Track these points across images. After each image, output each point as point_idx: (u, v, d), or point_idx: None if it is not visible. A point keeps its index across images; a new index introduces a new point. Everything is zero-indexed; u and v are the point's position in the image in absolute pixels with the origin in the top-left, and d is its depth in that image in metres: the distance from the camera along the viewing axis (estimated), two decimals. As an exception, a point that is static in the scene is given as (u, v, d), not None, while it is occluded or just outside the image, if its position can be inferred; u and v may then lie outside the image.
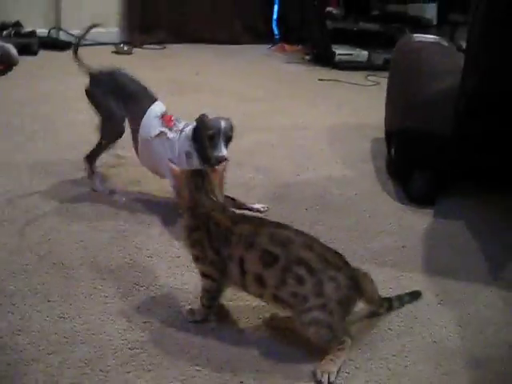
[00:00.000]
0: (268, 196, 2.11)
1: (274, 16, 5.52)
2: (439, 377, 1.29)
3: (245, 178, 2.26)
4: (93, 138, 1.98)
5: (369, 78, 4.36)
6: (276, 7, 5.49)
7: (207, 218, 1.32)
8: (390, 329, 1.43)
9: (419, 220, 2.05)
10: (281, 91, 3.76)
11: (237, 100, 3.35)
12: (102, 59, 4.11)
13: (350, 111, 3.40)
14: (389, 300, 1.46)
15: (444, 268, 1.75)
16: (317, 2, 4.76)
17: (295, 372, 1.25)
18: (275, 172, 2.35)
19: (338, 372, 1.24)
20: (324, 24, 4.72)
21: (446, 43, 2.51)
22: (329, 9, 4.83)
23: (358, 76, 4.38)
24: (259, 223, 1.34)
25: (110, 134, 1.96)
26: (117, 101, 1.91)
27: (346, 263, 1.33)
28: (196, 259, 1.35)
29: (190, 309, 1.39)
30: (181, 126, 1.89)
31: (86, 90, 1.98)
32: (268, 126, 2.95)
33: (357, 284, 1.30)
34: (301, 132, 2.91)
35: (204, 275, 1.35)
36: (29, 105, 2.94)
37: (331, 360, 1.25)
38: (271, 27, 5.53)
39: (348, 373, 1.26)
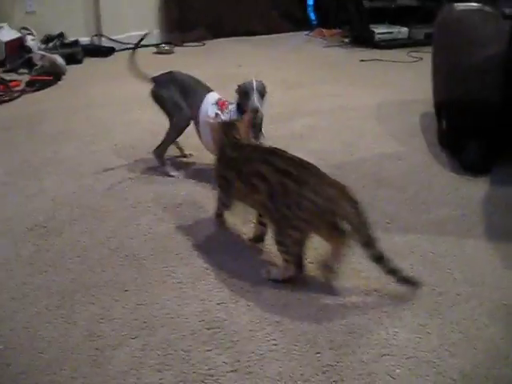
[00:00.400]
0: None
1: (310, 2, 5.53)
2: (512, 337, 1.30)
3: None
4: (147, 137, 2.04)
5: (411, 54, 4.34)
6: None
7: (223, 152, 1.68)
8: (458, 294, 1.45)
9: (476, 189, 2.05)
10: (324, 75, 3.77)
11: (282, 87, 3.38)
12: (147, 60, 4.23)
13: (395, 89, 3.39)
14: (380, 253, 1.37)
15: (506, 233, 1.75)
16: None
17: (367, 341, 1.29)
18: (328, 153, 2.38)
19: (281, 281, 1.47)
20: (361, 4, 4.71)
21: (489, 9, 2.48)
22: (364, -11, 4.81)
23: (399, 53, 4.36)
24: (254, 149, 1.65)
25: (177, 126, 2.18)
26: (179, 96, 2.16)
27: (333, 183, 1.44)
28: (218, 186, 1.72)
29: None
30: (231, 107, 2.11)
31: (151, 93, 2.21)
32: (315, 109, 2.98)
33: (336, 203, 1.39)
34: (349, 113, 2.92)
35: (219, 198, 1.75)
36: (82, 111, 3.03)
37: (281, 267, 1.49)
38: (307, 13, 5.54)
39: (420, 337, 1.29)
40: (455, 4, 2.71)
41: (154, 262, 1.61)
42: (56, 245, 1.70)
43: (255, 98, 2.02)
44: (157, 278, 1.53)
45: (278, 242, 1.46)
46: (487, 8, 2.49)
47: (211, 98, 2.14)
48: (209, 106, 2.12)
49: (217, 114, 2.09)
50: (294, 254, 1.46)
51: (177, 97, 2.16)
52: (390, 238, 1.71)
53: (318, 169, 1.47)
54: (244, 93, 2.05)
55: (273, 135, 2.58)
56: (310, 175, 1.44)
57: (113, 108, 3.07)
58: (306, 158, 2.27)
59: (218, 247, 1.69)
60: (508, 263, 1.59)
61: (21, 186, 2.13)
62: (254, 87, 2.04)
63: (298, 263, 1.48)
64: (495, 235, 1.74)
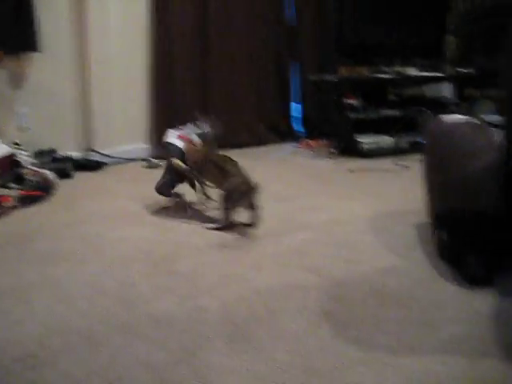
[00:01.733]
0: (324, 298, 2.08)
1: (295, 114, 5.70)
2: None
3: (298, 280, 2.23)
4: (139, 256, 1.98)
5: (397, 162, 4.42)
6: (300, 105, 5.68)
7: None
8: None
9: (483, 303, 1.99)
10: (314, 187, 3.80)
11: (272, 199, 3.38)
12: (136, 174, 4.29)
13: (386, 199, 3.41)
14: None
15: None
16: (336, 97, 4.93)
17: None
18: (326, 270, 2.33)
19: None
20: (345, 116, 4.85)
21: (477, 121, 2.54)
22: (347, 101, 4.98)
23: (386, 162, 4.45)
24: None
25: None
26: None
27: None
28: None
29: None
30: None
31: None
32: (309, 223, 2.96)
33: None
34: (343, 226, 2.91)
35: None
36: (73, 227, 2.99)
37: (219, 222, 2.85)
38: (292, 126, 5.70)
39: None
40: (443, 116, 2.79)
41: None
42: (49, 378, 1.60)
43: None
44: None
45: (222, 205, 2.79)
46: (475, 120, 2.56)
47: (172, 135, 3.25)
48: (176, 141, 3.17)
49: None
50: (228, 213, 2.79)
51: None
52: (400, 361, 1.64)
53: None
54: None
55: (272, 251, 2.56)
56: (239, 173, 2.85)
57: (103, 224, 3.03)
58: (304, 277, 2.26)
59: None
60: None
61: (8, 309, 2.04)
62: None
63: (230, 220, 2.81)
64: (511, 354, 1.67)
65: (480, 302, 2.00)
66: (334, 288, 2.14)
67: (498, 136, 2.23)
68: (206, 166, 3.01)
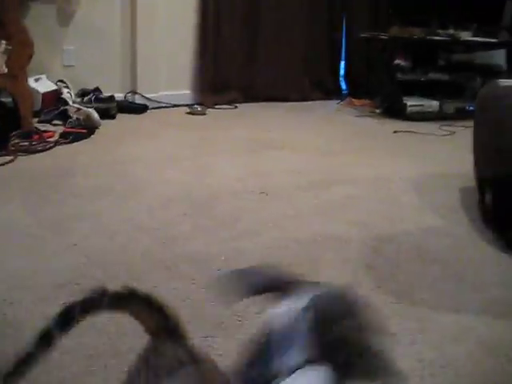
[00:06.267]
0: (365, 250, 2.06)
1: (341, 72, 5.58)
2: None
3: (339, 232, 2.21)
4: (180, 198, 1.97)
5: (442, 127, 4.31)
6: (343, 63, 5.56)
7: None
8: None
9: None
10: (357, 144, 3.74)
11: (317, 155, 3.35)
12: (180, 120, 4.28)
13: (430, 161, 3.34)
14: None
15: None
16: (385, 56, 4.81)
17: None
18: (369, 226, 2.30)
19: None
20: (394, 76, 4.73)
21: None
22: (396, 61, 4.85)
23: (430, 126, 4.34)
24: None
25: None
26: None
27: None
28: None
29: None
30: None
31: None
32: (353, 178, 2.92)
33: None
34: (386, 183, 2.86)
35: None
36: (114, 166, 3.00)
37: None
38: (339, 83, 5.59)
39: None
40: (497, 80, 2.69)
41: (193, 331, 1.52)
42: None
43: None
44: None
45: None
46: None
47: None
48: None
49: None
50: None
51: None
52: (441, 317, 1.61)
53: None
54: None
55: (313, 203, 2.53)
56: None
57: (144, 166, 3.04)
58: (346, 229, 2.24)
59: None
60: None
61: (48, 239, 2.07)
62: None
63: None
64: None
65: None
66: (375, 242, 2.12)
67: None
68: None
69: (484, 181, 2.47)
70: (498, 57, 5.39)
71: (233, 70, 4.95)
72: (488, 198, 2.38)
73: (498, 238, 2.19)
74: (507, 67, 5.24)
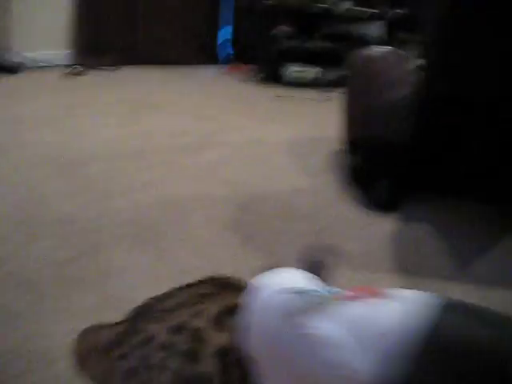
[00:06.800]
0: (233, 208, 2.11)
1: (227, 36, 5.57)
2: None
3: (210, 191, 2.25)
4: (53, 156, 1.93)
5: (321, 94, 4.44)
6: (230, 28, 5.55)
7: None
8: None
9: (385, 225, 2.08)
10: (237, 109, 3.78)
11: (194, 118, 3.36)
12: (57, 80, 4.11)
13: (307, 125, 3.44)
14: None
15: (414, 268, 1.78)
16: (269, 21, 4.85)
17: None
18: (241, 185, 2.35)
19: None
20: (277, 42, 4.80)
21: (401, 52, 2.57)
22: (279, 28, 4.92)
23: (310, 92, 4.46)
24: None
25: None
26: None
27: None
28: None
29: None
30: None
31: None
32: (229, 140, 2.96)
33: None
34: (261, 146, 2.92)
35: None
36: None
37: None
38: (224, 48, 5.58)
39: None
40: (368, 47, 2.81)
41: (54, 288, 1.50)
42: None
43: None
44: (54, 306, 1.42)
45: None
46: (400, 51, 2.59)
47: None
48: None
49: None
50: None
51: None
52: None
53: None
54: None
55: (186, 164, 2.55)
56: None
57: (13, 127, 2.92)
58: (216, 188, 2.28)
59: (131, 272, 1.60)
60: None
61: None
62: None
63: None
64: (403, 270, 1.76)
65: (381, 224, 2.09)
66: (245, 201, 2.17)
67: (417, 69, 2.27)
68: None
69: (352, 143, 2.59)
70: (379, 28, 5.60)
71: (114, 32, 4.82)
72: (355, 159, 2.50)
73: (363, 197, 2.32)
74: (387, 38, 5.46)
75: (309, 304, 0.71)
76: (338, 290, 0.76)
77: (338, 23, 5.36)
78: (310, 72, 4.85)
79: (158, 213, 2.00)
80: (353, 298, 0.71)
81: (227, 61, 5.44)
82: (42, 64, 4.40)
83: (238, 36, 5.56)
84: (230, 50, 5.58)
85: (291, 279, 0.80)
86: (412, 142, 2.15)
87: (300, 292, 0.74)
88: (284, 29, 4.93)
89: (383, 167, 2.28)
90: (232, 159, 2.68)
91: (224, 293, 0.86)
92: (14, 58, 4.32)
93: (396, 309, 0.66)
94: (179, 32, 5.21)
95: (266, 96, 4.25)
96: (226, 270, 1.58)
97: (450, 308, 0.66)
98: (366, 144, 2.39)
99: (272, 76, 4.83)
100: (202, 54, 5.37)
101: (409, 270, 1.77)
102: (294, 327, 0.70)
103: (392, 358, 0.62)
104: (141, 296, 0.87)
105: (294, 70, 4.78)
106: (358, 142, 2.47)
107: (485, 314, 0.66)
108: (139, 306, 0.85)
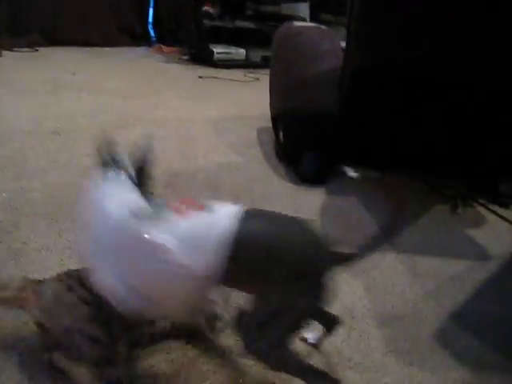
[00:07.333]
0: (159, 184, 2.03)
1: (150, 19, 5.46)
2: (354, 339, 1.31)
3: (133, 169, 2.16)
4: None
5: (248, 74, 4.41)
6: (151, 10, 5.43)
7: None
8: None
9: (312, 198, 2.07)
10: (162, 88, 3.69)
11: (118, 97, 3.25)
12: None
13: (232, 105, 3.40)
14: None
15: (342, 240, 1.76)
16: (193, 2, 4.76)
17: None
18: (164, 161, 2.27)
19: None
20: (201, 22, 4.72)
21: (325, 27, 2.56)
22: (205, 8, 4.84)
23: (236, 73, 4.43)
24: None
25: None
26: None
27: None
28: None
29: None
30: None
31: None
32: (153, 119, 2.87)
33: None
34: (186, 124, 2.86)
35: None
36: None
37: None
38: (147, 29, 5.47)
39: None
40: (291, 22, 2.79)
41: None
42: None
43: None
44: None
45: None
46: (323, 26, 2.58)
47: None
48: None
49: None
50: None
51: None
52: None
53: None
54: None
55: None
56: None
57: None
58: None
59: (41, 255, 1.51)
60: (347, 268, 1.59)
61: None
62: None
63: None
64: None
65: (308, 198, 2.07)
66: (169, 178, 2.10)
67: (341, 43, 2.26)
68: None
69: (277, 119, 2.56)
70: (303, 9, 5.62)
71: (33, 13, 4.62)
72: (280, 134, 2.48)
73: (288, 172, 2.30)
74: (310, 19, 5.48)
75: (148, 215, 0.97)
76: (163, 200, 1.02)
77: (265, 4, 5.34)
78: (237, 53, 4.81)
79: (71, 192, 1.90)
80: (178, 210, 0.99)
81: (151, 42, 5.33)
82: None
83: (161, 17, 5.45)
84: (154, 32, 5.47)
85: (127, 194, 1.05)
86: (339, 114, 2.14)
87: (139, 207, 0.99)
88: (209, 8, 4.86)
89: (309, 141, 2.26)
90: (156, 137, 2.59)
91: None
92: None
93: (213, 219, 0.99)
94: (103, 13, 5.05)
95: (191, 76, 4.17)
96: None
97: (252, 215, 1.03)
98: (292, 117, 2.36)
99: (197, 57, 4.76)
100: (127, 35, 5.23)
101: (336, 242, 1.75)
102: (138, 233, 0.94)
103: (214, 256, 0.93)
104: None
105: (220, 51, 4.72)
106: (283, 116, 2.44)
107: (277, 217, 1.02)
108: None
